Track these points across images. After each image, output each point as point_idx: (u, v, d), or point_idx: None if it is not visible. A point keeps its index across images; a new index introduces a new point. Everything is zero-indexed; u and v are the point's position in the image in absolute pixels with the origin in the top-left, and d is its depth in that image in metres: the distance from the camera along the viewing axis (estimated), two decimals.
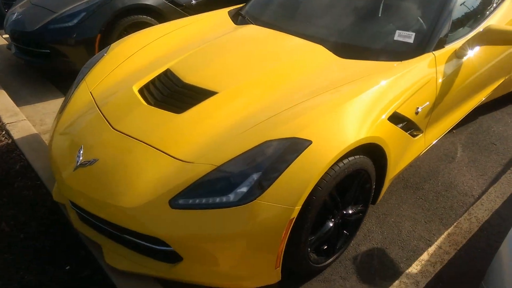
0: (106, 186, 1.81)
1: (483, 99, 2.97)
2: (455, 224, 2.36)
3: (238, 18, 2.95)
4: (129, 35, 2.81)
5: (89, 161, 1.89)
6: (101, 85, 2.40)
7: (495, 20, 2.76)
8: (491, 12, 2.81)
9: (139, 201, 1.74)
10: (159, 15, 4.01)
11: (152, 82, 2.29)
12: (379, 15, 2.58)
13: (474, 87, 2.73)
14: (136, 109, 2.09)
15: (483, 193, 2.59)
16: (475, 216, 2.41)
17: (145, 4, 3.91)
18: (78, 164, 1.91)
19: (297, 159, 1.68)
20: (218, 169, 1.71)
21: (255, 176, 1.65)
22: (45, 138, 2.93)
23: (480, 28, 2.63)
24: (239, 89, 2.10)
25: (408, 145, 2.28)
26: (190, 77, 2.22)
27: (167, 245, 1.69)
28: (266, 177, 1.65)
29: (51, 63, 3.80)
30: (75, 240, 2.09)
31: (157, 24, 3.95)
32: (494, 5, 2.89)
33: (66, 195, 1.96)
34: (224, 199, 1.65)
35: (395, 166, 2.22)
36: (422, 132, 2.39)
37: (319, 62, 2.28)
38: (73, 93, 2.41)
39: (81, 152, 1.95)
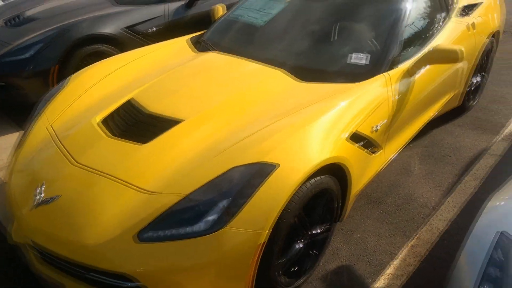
0: (69, 223, 1.76)
1: (435, 113, 3.15)
2: (416, 235, 2.46)
3: (199, 45, 3.00)
4: (89, 66, 2.79)
5: (51, 198, 1.84)
6: (61, 118, 2.36)
7: (441, 39, 2.96)
8: (437, 32, 3.01)
9: (104, 236, 1.71)
10: (118, 44, 4.00)
11: (115, 113, 2.27)
12: (335, 39, 2.71)
13: (426, 102, 2.90)
14: (99, 141, 2.07)
15: (440, 203, 2.72)
16: (435, 227, 2.53)
17: (103, 33, 3.89)
18: (40, 201, 1.85)
19: (264, 183, 1.72)
20: (186, 198, 1.71)
21: (223, 203, 1.67)
22: (1, 175, 2.82)
23: (428, 47, 2.81)
24: (203, 116, 2.13)
25: (369, 162, 2.38)
26: (154, 106, 2.23)
27: (136, 281, 1.66)
28: (234, 203, 1.67)
29: (6, 96, 3.68)
30: (36, 285, 2.00)
31: (116, 53, 3.96)
32: (440, 24, 3.10)
33: (27, 234, 1.89)
34: (193, 228, 1.66)
35: (358, 183, 2.30)
36: (381, 149, 2.50)
37: (281, 86, 2.36)
38: (31, 127, 2.35)
39: (43, 188, 1.90)
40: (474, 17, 3.39)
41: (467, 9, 3.50)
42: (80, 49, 3.80)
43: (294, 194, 1.78)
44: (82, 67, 2.85)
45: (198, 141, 1.97)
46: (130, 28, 4.06)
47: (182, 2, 4.42)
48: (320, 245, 2.21)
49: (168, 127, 2.06)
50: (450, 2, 3.37)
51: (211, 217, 1.66)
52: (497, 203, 1.49)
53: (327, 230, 2.21)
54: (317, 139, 1.93)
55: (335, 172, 2.06)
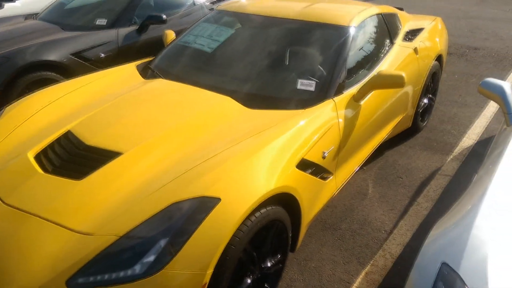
0: None
1: (386, 136, 3.19)
2: (371, 262, 2.42)
3: (146, 73, 2.91)
4: (26, 96, 2.63)
5: None
6: None
7: (387, 64, 3.02)
8: (383, 57, 3.08)
9: (33, 283, 1.55)
10: (65, 71, 3.84)
11: (50, 146, 2.13)
12: (282, 66, 2.70)
13: (376, 126, 2.92)
14: (31, 178, 1.92)
15: (394, 227, 2.72)
16: (389, 252, 2.50)
17: (49, 60, 3.73)
18: None
19: (206, 219, 1.62)
20: (121, 239, 1.59)
21: (162, 243, 1.56)
22: None
23: (374, 72, 2.86)
24: (145, 148, 2.02)
25: (320, 189, 2.34)
26: (93, 138, 2.10)
27: None
28: (174, 242, 1.57)
29: None
30: None
31: (62, 80, 3.80)
32: (386, 50, 3.18)
33: None
34: (129, 272, 1.53)
35: (310, 211, 2.25)
36: (332, 174, 2.48)
37: (228, 114, 2.30)
38: None
39: None
40: (418, 41, 3.51)
41: (411, 35, 3.62)
42: (23, 77, 3.61)
43: (239, 228, 1.69)
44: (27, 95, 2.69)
45: (137, 175, 1.86)
46: (77, 54, 3.91)
47: (134, 28, 4.33)
48: (273, 279, 2.12)
49: (106, 161, 1.94)
50: (395, 28, 3.48)
51: (148, 259, 1.54)
52: (440, 231, 1.48)
53: (279, 262, 2.13)
54: (263, 169, 1.87)
55: (285, 201, 2.00)
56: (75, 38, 3.99)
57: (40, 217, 1.73)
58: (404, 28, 3.62)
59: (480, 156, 3.55)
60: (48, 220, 1.71)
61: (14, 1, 5.63)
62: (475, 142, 3.82)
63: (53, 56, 3.76)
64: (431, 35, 3.81)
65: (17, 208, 1.78)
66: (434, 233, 1.50)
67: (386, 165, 3.43)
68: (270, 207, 1.87)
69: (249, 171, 1.82)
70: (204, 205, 1.65)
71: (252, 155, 1.90)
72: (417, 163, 3.46)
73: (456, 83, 5.22)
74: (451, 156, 3.58)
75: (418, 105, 3.62)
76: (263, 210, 1.82)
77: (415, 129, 3.81)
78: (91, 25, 4.24)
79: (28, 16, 4.73)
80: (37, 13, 4.76)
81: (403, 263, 2.41)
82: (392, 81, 2.49)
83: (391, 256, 2.47)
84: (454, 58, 6.13)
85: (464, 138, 3.87)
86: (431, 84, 3.89)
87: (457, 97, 4.81)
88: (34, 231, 1.69)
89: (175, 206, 1.65)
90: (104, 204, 1.75)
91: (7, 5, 5.57)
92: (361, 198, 3.00)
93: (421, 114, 3.82)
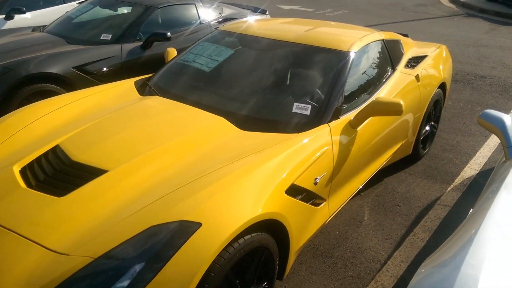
0: None
1: (384, 163, 3.12)
2: None
3: (144, 89, 2.90)
4: (20, 108, 2.62)
5: None
6: None
7: (385, 92, 2.98)
8: (383, 84, 3.04)
9: None
10: (67, 84, 3.86)
11: (37, 160, 2.10)
12: (278, 88, 2.67)
13: (373, 153, 2.86)
14: (13, 192, 1.88)
15: (388, 257, 2.63)
16: (381, 284, 2.41)
17: (51, 72, 3.75)
18: None
19: (184, 244, 1.57)
20: (96, 260, 1.54)
21: (137, 267, 1.51)
22: None
23: (372, 98, 2.82)
24: (131, 166, 1.98)
25: (311, 215, 2.27)
26: (80, 154, 2.07)
27: None
28: (149, 267, 1.51)
29: None
30: None
31: (62, 93, 3.81)
32: (387, 76, 3.14)
33: None
34: None
35: (299, 238, 2.18)
36: (325, 201, 2.41)
37: (219, 135, 2.26)
38: None
39: None
40: (421, 69, 3.47)
41: (414, 61, 3.59)
42: (24, 87, 3.63)
43: (220, 255, 1.63)
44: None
45: (119, 195, 1.81)
46: (80, 67, 3.93)
47: (138, 44, 4.36)
48: None
49: (89, 178, 1.90)
50: (397, 54, 3.45)
51: (122, 284, 1.48)
52: (429, 269, 1.40)
53: None
54: (250, 194, 1.82)
55: (272, 228, 1.94)
56: (78, 52, 4.01)
57: (17, 233, 1.69)
58: (407, 55, 3.59)
59: (481, 187, 3.46)
60: (25, 237, 1.67)
61: (25, 13, 5.72)
62: (477, 172, 3.73)
63: (55, 68, 3.78)
64: (435, 62, 3.78)
65: None
66: (422, 271, 1.43)
67: (384, 192, 3.35)
68: (256, 234, 1.81)
69: (234, 196, 1.77)
70: (184, 230, 1.59)
71: (239, 179, 1.85)
72: (416, 192, 3.38)
73: (461, 111, 5.15)
74: (452, 186, 3.49)
75: (419, 133, 3.56)
76: (247, 237, 1.76)
77: (416, 157, 3.73)
78: (96, 40, 4.27)
79: (35, 28, 4.79)
80: (45, 26, 4.82)
81: None
82: (389, 108, 2.45)
83: None
84: (460, 85, 6.08)
85: (466, 168, 3.79)
86: (434, 112, 3.83)
87: (461, 125, 4.74)
88: (10, 247, 1.65)
89: (153, 230, 1.59)
90: (83, 223, 1.70)
91: (17, 17, 5.66)
92: (356, 225, 2.92)
93: (423, 141, 3.76)
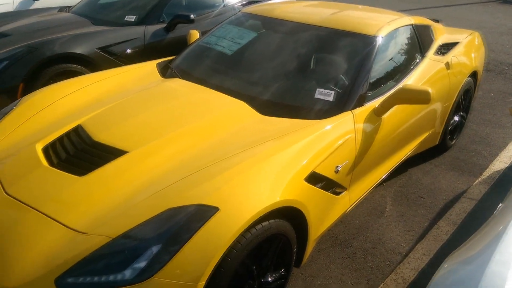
0: None
1: (408, 153, 3.03)
2: (381, 285, 2.28)
3: (165, 71, 2.88)
4: (44, 87, 2.65)
5: None
6: (4, 142, 2.20)
7: (412, 79, 2.87)
8: (410, 71, 2.92)
9: (23, 279, 1.53)
10: (91, 64, 3.88)
11: (59, 139, 2.12)
12: (302, 73, 2.60)
13: (398, 142, 2.77)
14: (35, 170, 1.91)
15: (410, 250, 2.56)
16: (401, 276, 2.35)
17: (76, 52, 3.77)
18: None
19: (201, 228, 1.55)
20: (113, 241, 1.54)
21: (154, 249, 1.50)
22: None
23: (399, 86, 2.71)
24: (151, 148, 1.97)
25: (331, 204, 2.22)
26: (101, 134, 2.07)
27: None
28: (166, 250, 1.50)
29: None
30: None
31: (86, 73, 3.84)
32: (416, 63, 3.02)
33: None
34: (119, 276, 1.48)
35: (318, 226, 2.14)
36: (345, 189, 2.36)
37: (240, 120, 2.22)
38: None
39: None
40: (451, 56, 3.32)
41: (445, 48, 3.44)
42: (49, 67, 3.67)
43: (237, 240, 1.61)
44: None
45: (138, 176, 1.81)
46: (104, 48, 3.94)
47: (162, 26, 4.34)
48: None
49: (111, 158, 1.91)
50: (427, 40, 3.31)
51: (138, 264, 1.48)
52: (453, 266, 1.34)
53: (282, 277, 2.03)
54: (268, 180, 1.78)
55: (290, 215, 1.90)
56: (103, 33, 4.02)
57: (38, 211, 1.71)
58: (438, 41, 3.44)
59: (511, 181, 3.32)
60: (46, 215, 1.69)
61: None
62: (507, 166, 3.58)
63: (80, 49, 3.81)
64: (467, 50, 3.61)
65: (18, 200, 1.77)
66: (446, 266, 1.37)
67: (408, 183, 3.26)
68: (273, 220, 1.78)
69: (253, 181, 1.74)
70: (201, 214, 1.58)
71: (258, 164, 1.81)
72: (442, 184, 3.27)
73: (492, 102, 4.95)
74: (479, 179, 3.36)
75: (448, 123, 3.43)
76: (265, 223, 1.73)
77: (443, 148, 3.61)
78: (120, 21, 4.27)
79: (61, 9, 4.82)
80: (71, 6, 4.85)
81: None
82: (417, 97, 2.35)
83: (403, 281, 2.32)
84: (492, 75, 5.83)
85: (495, 161, 3.64)
86: (463, 101, 3.68)
87: (491, 116, 4.55)
88: (30, 224, 1.67)
89: (170, 212, 1.58)
90: (102, 203, 1.71)
91: None
92: (377, 216, 2.85)
93: (451, 132, 3.62)
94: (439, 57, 3.25)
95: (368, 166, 2.48)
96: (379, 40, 2.68)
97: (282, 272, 2.02)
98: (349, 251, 2.52)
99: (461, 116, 3.76)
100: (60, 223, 1.65)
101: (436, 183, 3.28)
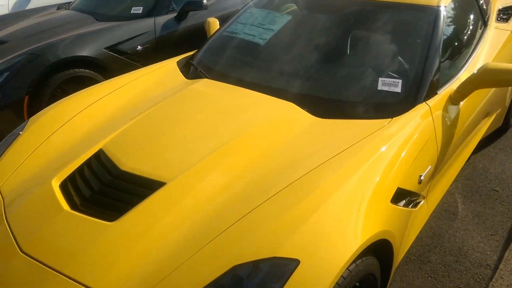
0: None
1: (478, 141, 2.60)
2: None
3: (188, 70, 2.46)
4: (52, 105, 2.25)
5: None
6: (13, 178, 1.82)
7: (483, 54, 2.41)
8: (477, 44, 2.47)
9: None
10: (101, 67, 3.47)
11: (79, 171, 1.73)
12: (357, 60, 2.17)
13: (470, 131, 2.35)
14: (54, 217, 1.53)
15: (499, 260, 2.17)
16: None
17: (82, 55, 3.37)
18: None
19: None
20: None
21: None
22: None
23: (470, 64, 2.27)
24: (194, 175, 1.58)
25: (412, 220, 1.82)
26: (128, 161, 1.68)
27: None
28: None
29: None
30: None
31: (97, 78, 3.44)
32: (480, 35, 2.56)
33: None
34: None
35: (402, 250, 1.76)
36: (424, 198, 1.95)
37: (291, 126, 1.81)
38: None
39: None
40: None
41: (505, 13, 2.95)
42: (55, 75, 3.28)
43: None
44: (60, 95, 2.30)
45: (183, 218, 1.42)
46: (112, 47, 3.52)
47: (172, 15, 3.89)
48: None
49: (145, 194, 1.52)
50: (486, 5, 2.82)
51: None
52: None
53: None
54: (353, 211, 1.38)
55: (378, 248, 1.51)
56: (109, 30, 3.60)
57: (61, 273, 1.35)
58: (496, 4, 2.96)
59: None
60: (71, 279, 1.32)
61: None
62: None
63: (86, 51, 3.39)
64: None
65: (35, 259, 1.41)
66: None
67: (474, 173, 2.84)
68: (360, 260, 1.39)
69: (335, 216, 1.34)
70: (278, 270, 1.19)
71: (336, 191, 1.41)
72: None
73: None
74: None
75: None
76: (351, 267, 1.34)
77: (506, 128, 3.17)
78: (126, 14, 3.84)
79: (60, 6, 4.39)
80: (70, 2, 4.42)
81: None
82: (506, 78, 1.91)
83: None
84: None
85: None
86: None
87: None
88: None
89: (237, 272, 1.20)
90: (141, 259, 1.33)
91: None
92: (450, 219, 2.45)
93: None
94: (503, 25, 2.78)
95: (446, 166, 2.07)
96: (443, 11, 2.22)
97: None
98: (428, 269, 2.14)
99: None
100: None
101: (507, 171, 2.85)
